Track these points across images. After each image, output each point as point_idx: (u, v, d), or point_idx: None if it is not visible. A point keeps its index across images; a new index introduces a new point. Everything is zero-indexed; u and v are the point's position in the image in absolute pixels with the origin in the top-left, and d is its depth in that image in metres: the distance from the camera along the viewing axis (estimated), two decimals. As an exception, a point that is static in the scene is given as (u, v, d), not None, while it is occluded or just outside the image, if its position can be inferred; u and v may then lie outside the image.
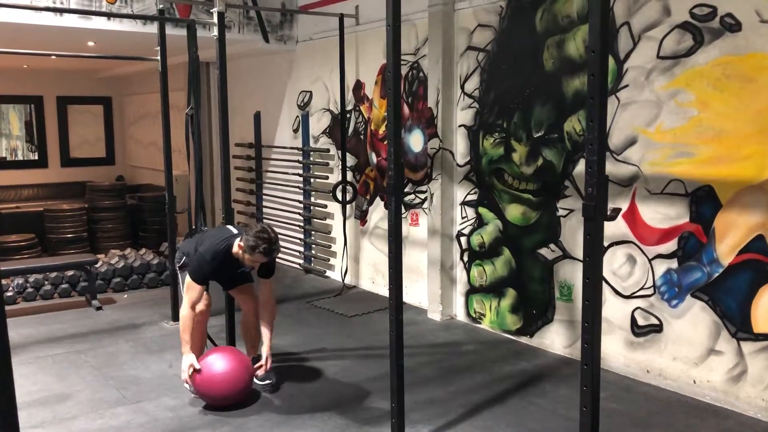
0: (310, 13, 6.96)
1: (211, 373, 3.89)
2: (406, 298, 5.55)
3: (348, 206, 6.70)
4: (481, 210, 5.42)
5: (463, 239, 5.64)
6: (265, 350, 4.14)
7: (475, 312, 5.57)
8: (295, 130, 7.71)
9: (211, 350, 4.12)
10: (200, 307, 4.06)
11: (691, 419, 3.80)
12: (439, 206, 5.63)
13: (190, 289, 3.96)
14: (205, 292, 4.08)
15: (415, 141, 6.01)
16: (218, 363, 3.91)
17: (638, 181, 4.26)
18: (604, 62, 2.35)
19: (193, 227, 5.08)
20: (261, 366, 4.14)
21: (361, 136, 6.72)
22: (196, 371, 3.87)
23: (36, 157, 11.90)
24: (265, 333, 4.15)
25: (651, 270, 4.25)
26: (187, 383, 3.99)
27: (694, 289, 4.03)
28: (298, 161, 7.54)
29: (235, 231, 4.10)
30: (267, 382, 4.22)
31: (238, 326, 4.64)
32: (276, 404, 4.06)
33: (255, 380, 4.17)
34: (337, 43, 6.39)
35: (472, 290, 5.60)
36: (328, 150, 7.15)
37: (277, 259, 4.22)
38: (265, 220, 8.33)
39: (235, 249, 3.96)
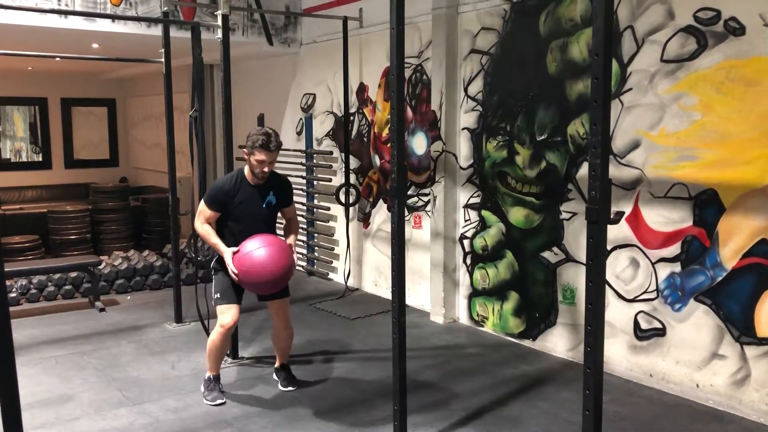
0: (313, 15, 6.97)
1: (252, 256, 3.79)
2: (409, 300, 5.53)
3: (351, 209, 6.71)
4: (484, 213, 5.42)
5: (466, 242, 5.64)
6: (291, 239, 4.12)
7: (477, 315, 5.57)
8: (299, 133, 7.72)
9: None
10: (228, 322, 3.98)
11: (694, 423, 3.79)
12: (442, 209, 5.63)
13: (202, 211, 3.99)
14: (234, 308, 4.01)
15: (419, 144, 6.02)
16: (256, 245, 3.82)
17: (641, 185, 4.26)
18: (608, 65, 2.35)
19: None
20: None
21: (365, 139, 6.73)
22: (235, 254, 3.83)
23: (40, 159, 11.94)
24: (291, 238, 4.14)
25: (654, 273, 4.24)
26: (235, 276, 3.85)
27: (698, 293, 4.02)
28: (301, 163, 7.55)
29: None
30: (289, 389, 4.30)
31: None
32: (278, 406, 4.06)
33: (279, 387, 4.31)
34: (341, 45, 6.40)
35: (474, 293, 5.59)
36: (331, 152, 7.15)
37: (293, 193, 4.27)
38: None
39: (246, 170, 3.99)
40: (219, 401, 4.07)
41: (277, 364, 4.44)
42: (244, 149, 3.93)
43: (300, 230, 7.62)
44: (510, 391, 4.26)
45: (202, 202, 4.05)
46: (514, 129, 5.09)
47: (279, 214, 4.23)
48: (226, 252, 3.88)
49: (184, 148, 5.38)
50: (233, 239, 3.97)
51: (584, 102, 4.53)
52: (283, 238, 4.09)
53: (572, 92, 4.64)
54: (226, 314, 4.00)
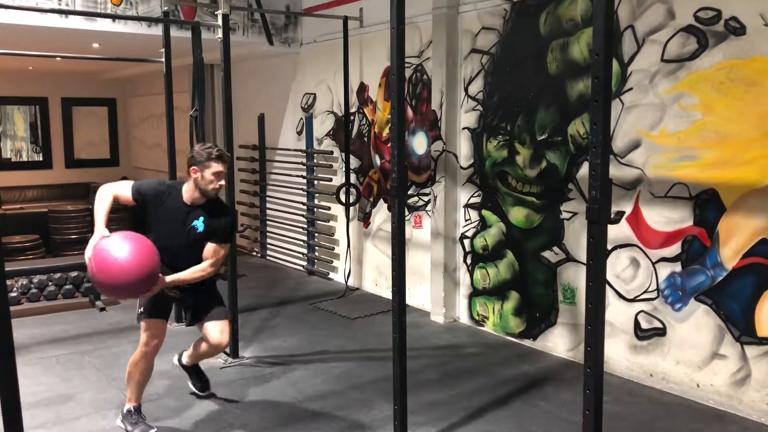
0: (314, 15, 6.97)
1: (112, 246, 3.21)
2: (409, 300, 5.53)
3: (351, 208, 6.71)
4: (485, 213, 5.42)
5: (466, 242, 5.64)
6: (170, 276, 3.51)
7: (478, 315, 5.57)
8: (299, 132, 7.72)
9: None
10: (149, 340, 3.60)
11: (694, 423, 3.79)
12: (443, 209, 5.63)
13: (119, 185, 3.56)
14: (159, 323, 3.65)
15: (419, 143, 6.02)
16: (125, 237, 3.29)
17: (642, 185, 4.26)
18: (608, 65, 2.35)
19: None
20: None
21: (365, 139, 6.73)
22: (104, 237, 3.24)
23: (41, 159, 11.94)
24: (188, 270, 3.54)
25: (654, 273, 4.24)
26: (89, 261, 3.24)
27: (698, 293, 4.02)
28: (301, 163, 7.55)
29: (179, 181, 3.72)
30: (206, 393, 4.12)
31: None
32: (278, 406, 4.06)
33: (190, 386, 4.14)
34: (341, 45, 6.40)
35: (475, 293, 5.59)
36: (331, 152, 7.15)
37: (239, 237, 3.68)
38: (268, 222, 8.35)
39: (189, 187, 3.53)
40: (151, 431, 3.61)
41: (186, 360, 4.06)
42: (193, 167, 3.48)
43: (300, 230, 7.70)
44: (510, 390, 4.26)
45: (129, 183, 3.60)
46: (515, 129, 5.09)
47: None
48: (98, 232, 3.27)
49: (185, 148, 5.37)
50: None
51: (585, 102, 4.53)
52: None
53: (573, 92, 4.64)
54: (149, 331, 3.59)
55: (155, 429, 3.66)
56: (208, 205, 3.59)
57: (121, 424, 3.72)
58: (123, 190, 3.58)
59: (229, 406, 4.05)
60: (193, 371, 4.16)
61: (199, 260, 3.58)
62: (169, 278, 3.50)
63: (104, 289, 3.39)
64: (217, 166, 3.49)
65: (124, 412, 3.71)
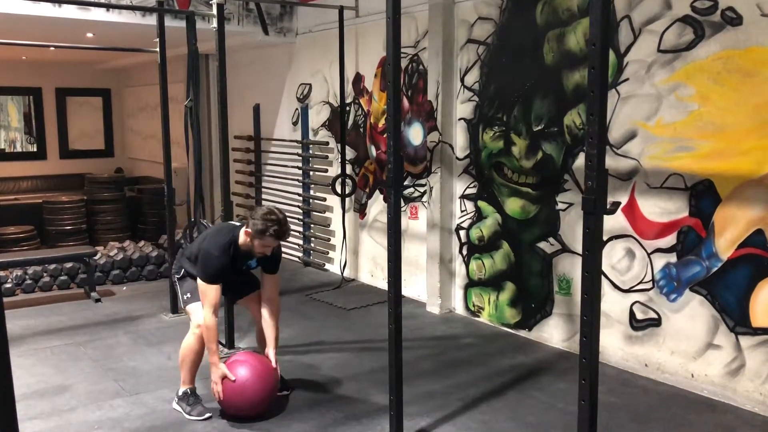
0: (309, 5, 6.92)
1: (243, 381, 3.60)
2: (405, 291, 5.55)
3: (347, 199, 6.70)
4: (481, 204, 5.42)
5: (462, 233, 5.64)
6: (271, 353, 3.80)
7: (473, 305, 5.58)
8: (295, 123, 7.70)
9: (235, 358, 3.75)
10: (208, 321, 3.66)
11: (688, 413, 3.80)
12: (439, 200, 5.62)
13: (206, 293, 3.62)
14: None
15: (415, 134, 6.00)
16: (248, 370, 3.64)
17: (638, 175, 4.26)
18: (605, 55, 2.33)
19: (192, 219, 5.08)
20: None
21: (361, 129, 6.71)
22: (229, 380, 3.59)
23: (35, 149, 11.88)
24: (270, 334, 3.85)
25: (650, 264, 4.25)
26: (217, 395, 3.65)
27: (693, 284, 4.03)
28: (297, 154, 7.53)
29: (237, 223, 3.89)
30: (285, 392, 4.03)
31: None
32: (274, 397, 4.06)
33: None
34: (337, 35, 6.37)
35: (471, 284, 5.60)
36: (327, 143, 7.14)
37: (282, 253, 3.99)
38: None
39: (242, 239, 3.67)
40: (207, 415, 3.74)
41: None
42: (247, 230, 3.62)
43: (296, 221, 7.68)
44: (506, 381, 4.27)
45: (202, 283, 3.63)
46: (511, 119, 5.08)
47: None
48: (217, 370, 3.60)
49: (180, 139, 5.34)
50: None
51: (581, 92, 4.53)
52: (266, 343, 3.86)
53: (569, 83, 4.63)
54: (200, 312, 3.70)
55: (210, 414, 3.76)
56: None
57: (177, 407, 3.83)
58: (209, 292, 3.64)
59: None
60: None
61: (251, 278, 4.05)
62: (272, 352, 3.83)
63: (240, 412, 3.71)
64: (270, 242, 3.64)
65: (180, 394, 3.83)
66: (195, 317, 3.76)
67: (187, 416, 3.75)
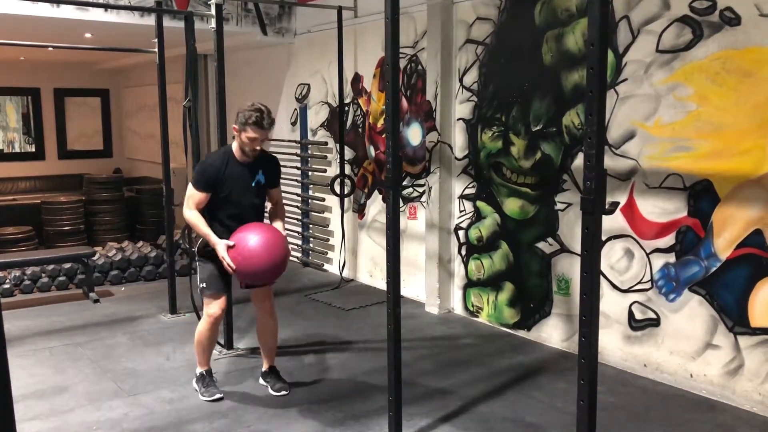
0: (308, 5, 6.93)
1: (248, 245, 3.64)
2: (404, 291, 5.55)
3: (346, 199, 6.70)
4: (479, 204, 5.42)
5: (461, 233, 5.64)
6: (279, 225, 3.98)
7: (472, 306, 5.58)
8: (293, 123, 7.69)
9: (238, 230, 3.76)
10: (216, 312, 3.87)
11: (687, 413, 3.81)
12: (438, 200, 5.62)
13: (191, 195, 3.77)
14: (222, 297, 3.89)
15: (414, 134, 6.00)
16: (251, 234, 3.68)
17: (636, 175, 4.26)
18: (604, 56, 2.34)
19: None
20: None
21: (360, 130, 6.71)
22: (230, 248, 3.65)
23: (33, 150, 11.87)
24: (278, 223, 4.00)
25: (649, 264, 4.25)
26: (229, 268, 3.68)
27: (692, 284, 4.03)
28: (296, 154, 7.53)
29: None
30: (282, 393, 4.06)
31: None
32: (273, 397, 4.06)
33: (270, 391, 4.09)
34: (336, 35, 6.37)
35: (469, 284, 5.60)
36: (326, 143, 7.13)
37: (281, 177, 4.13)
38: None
39: (235, 146, 3.80)
40: (218, 395, 3.98)
41: (264, 367, 4.21)
42: (234, 126, 3.75)
43: (295, 221, 7.68)
44: (505, 381, 4.27)
45: (190, 185, 3.80)
46: (510, 120, 5.08)
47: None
48: (219, 244, 3.68)
49: (178, 139, 5.34)
50: (223, 227, 3.79)
51: (579, 92, 4.53)
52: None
53: (567, 83, 4.63)
54: (213, 304, 3.88)
55: (221, 395, 3.99)
56: (259, 159, 3.87)
57: (195, 386, 4.09)
58: (194, 196, 3.78)
59: (224, 396, 4.04)
60: (272, 373, 4.19)
61: (261, 208, 4.01)
62: (282, 231, 3.88)
63: (264, 275, 3.77)
64: (253, 132, 3.68)
65: (198, 374, 4.09)
66: (207, 308, 3.91)
67: (201, 396, 4.00)
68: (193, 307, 4.90)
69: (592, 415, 2.49)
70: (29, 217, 8.70)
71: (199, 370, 4.10)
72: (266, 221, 4.05)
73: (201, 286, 3.92)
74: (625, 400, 3.97)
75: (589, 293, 2.43)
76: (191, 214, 3.78)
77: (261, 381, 4.22)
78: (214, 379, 4.11)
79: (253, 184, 3.88)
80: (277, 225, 3.98)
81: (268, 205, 4.14)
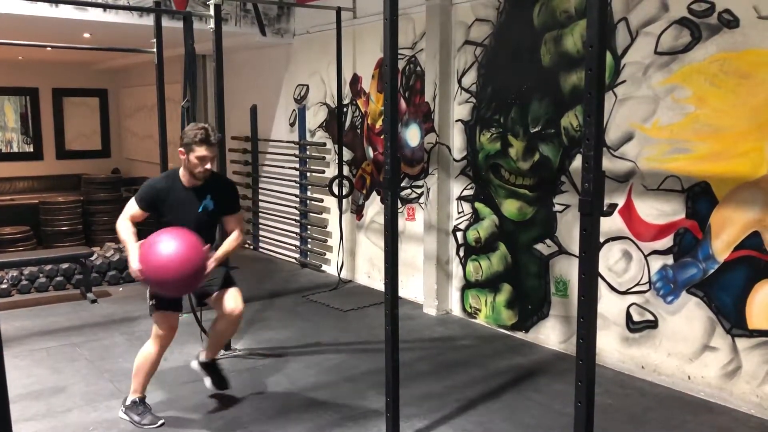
0: (307, 6, 6.93)
1: (159, 252, 3.28)
2: (402, 292, 5.55)
3: (344, 200, 6.69)
4: (478, 205, 5.42)
5: (459, 234, 5.63)
6: (218, 252, 3.62)
7: (470, 307, 5.58)
8: (292, 124, 7.69)
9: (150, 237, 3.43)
10: (164, 332, 3.60)
11: (685, 415, 3.81)
12: (436, 201, 5.62)
13: (128, 208, 3.58)
14: (172, 315, 3.63)
15: (412, 135, 6.00)
16: (163, 237, 3.35)
17: (635, 177, 4.26)
18: (602, 57, 2.34)
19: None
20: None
21: (358, 131, 6.71)
22: (147, 256, 3.31)
23: (31, 150, 11.86)
24: (224, 244, 3.69)
25: (647, 266, 4.25)
26: (139, 273, 3.34)
27: (690, 286, 4.03)
28: (294, 155, 7.52)
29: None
30: (222, 390, 3.94)
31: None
32: (271, 398, 4.06)
33: (208, 386, 3.90)
34: (335, 36, 6.37)
35: (467, 285, 5.60)
36: (324, 144, 7.13)
37: (244, 214, 3.77)
38: (260, 214, 8.33)
39: (182, 170, 3.59)
40: (161, 422, 3.64)
41: (204, 357, 3.90)
42: (180, 149, 3.52)
43: (293, 222, 7.68)
44: (503, 382, 4.27)
45: (132, 199, 3.63)
46: (508, 121, 5.08)
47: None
48: (132, 247, 3.40)
49: (177, 140, 5.34)
50: None
51: (578, 94, 4.53)
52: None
53: (566, 84, 4.64)
54: (161, 323, 3.59)
55: (163, 420, 3.67)
56: (210, 183, 3.64)
57: (125, 416, 3.71)
58: (131, 209, 3.61)
59: (221, 398, 4.04)
60: (212, 369, 3.93)
61: (211, 237, 3.70)
62: (218, 253, 3.60)
63: (168, 287, 3.39)
64: (200, 151, 3.48)
65: (128, 403, 3.71)
66: (154, 329, 3.65)
67: (139, 426, 3.63)
68: (191, 307, 4.89)
69: (589, 416, 2.49)
70: (27, 217, 8.70)
71: (132, 397, 3.71)
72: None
73: (150, 303, 3.60)
74: (622, 402, 3.97)
75: (587, 295, 2.43)
76: (121, 224, 3.55)
77: (194, 365, 3.97)
78: (149, 406, 3.72)
79: (200, 209, 3.63)
80: (222, 249, 3.66)
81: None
